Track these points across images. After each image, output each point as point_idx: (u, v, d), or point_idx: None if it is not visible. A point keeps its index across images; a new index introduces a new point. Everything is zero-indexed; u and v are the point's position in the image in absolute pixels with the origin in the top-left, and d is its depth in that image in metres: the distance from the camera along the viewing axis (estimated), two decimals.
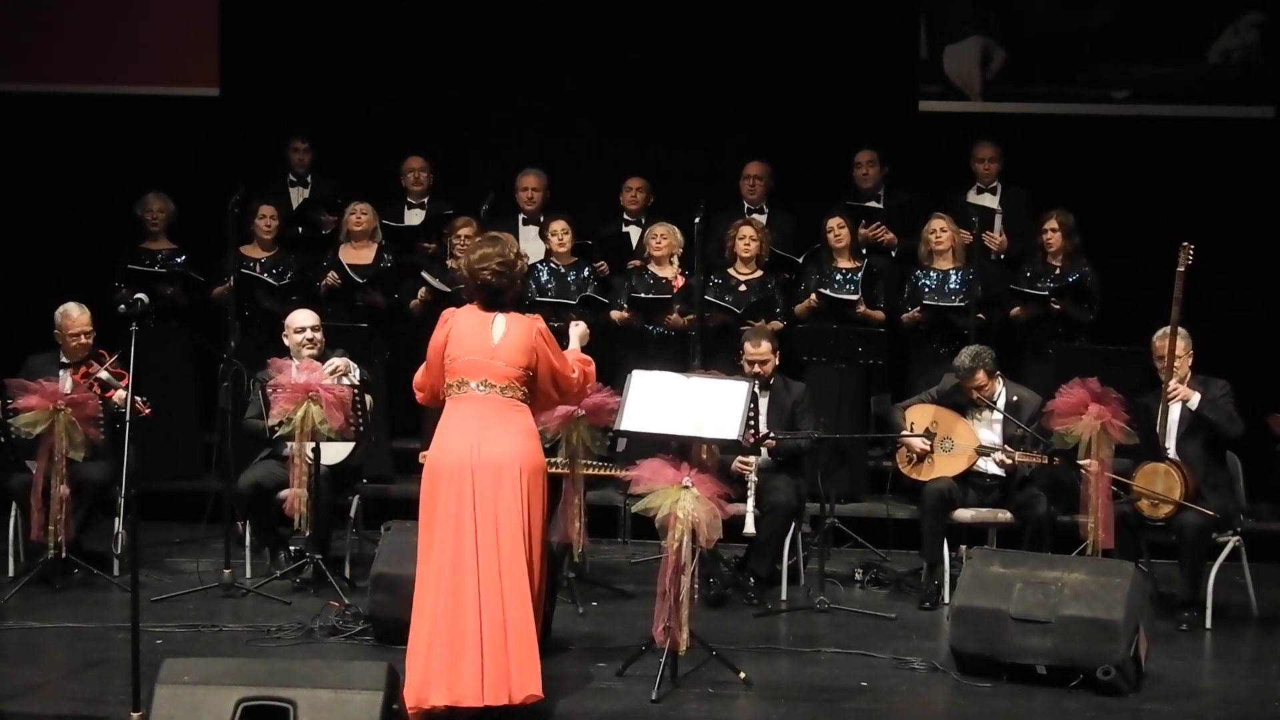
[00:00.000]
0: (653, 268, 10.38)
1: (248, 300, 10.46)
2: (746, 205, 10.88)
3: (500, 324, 6.61)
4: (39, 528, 8.56)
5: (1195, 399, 8.48)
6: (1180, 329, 8.46)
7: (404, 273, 10.60)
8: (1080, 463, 8.22)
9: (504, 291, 6.62)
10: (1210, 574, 8.38)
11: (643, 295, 10.26)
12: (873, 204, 10.90)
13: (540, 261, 10.54)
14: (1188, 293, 8.45)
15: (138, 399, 8.24)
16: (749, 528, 8.34)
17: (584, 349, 7.21)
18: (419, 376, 6.83)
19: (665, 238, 10.33)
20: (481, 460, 6.47)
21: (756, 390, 8.34)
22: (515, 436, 6.57)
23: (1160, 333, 8.53)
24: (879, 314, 10.29)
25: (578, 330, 7.29)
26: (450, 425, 6.60)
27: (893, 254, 10.79)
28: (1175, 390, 8.45)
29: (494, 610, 6.41)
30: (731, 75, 11.67)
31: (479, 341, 6.58)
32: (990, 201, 10.80)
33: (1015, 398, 8.82)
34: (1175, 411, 8.53)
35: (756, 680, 7.16)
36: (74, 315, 9.04)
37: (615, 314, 10.31)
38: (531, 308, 10.25)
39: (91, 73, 11.94)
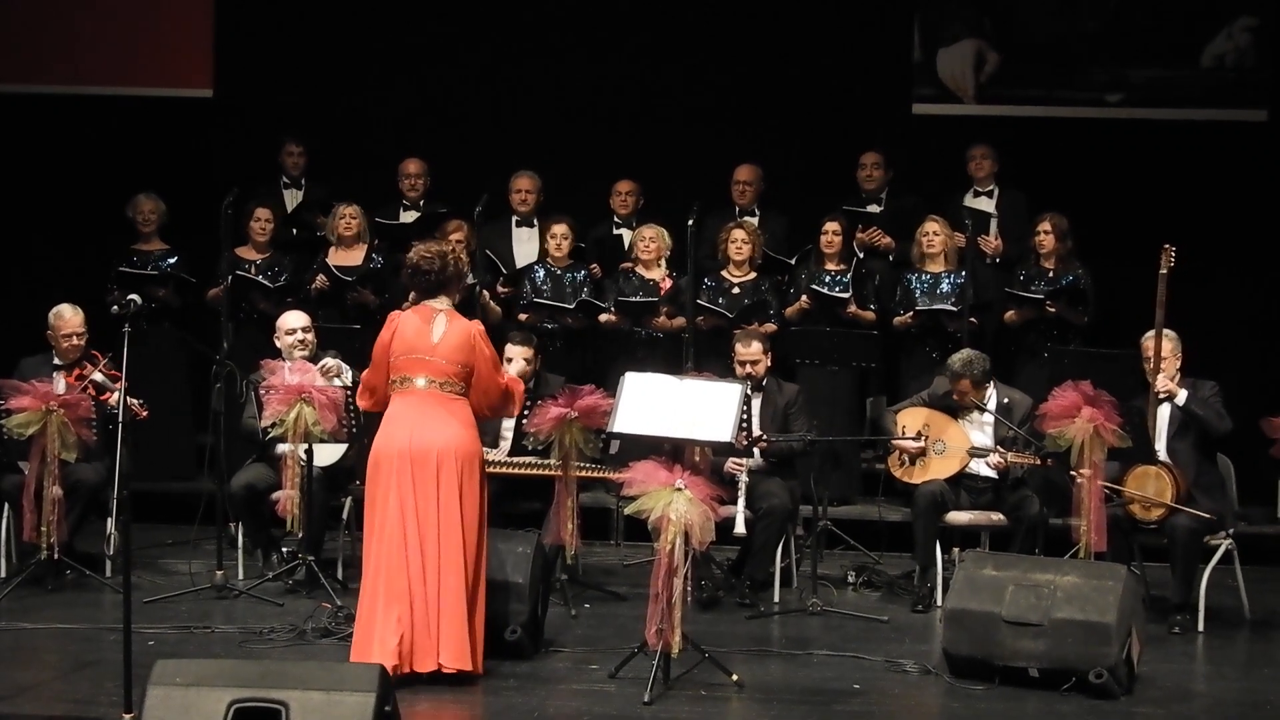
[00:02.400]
0: (640, 270, 10.37)
1: (243, 302, 10.46)
2: (738, 209, 10.87)
3: (441, 323, 7.13)
4: (31, 529, 8.55)
5: (1182, 395, 8.47)
6: (1169, 331, 8.46)
7: (396, 271, 10.57)
8: (1072, 473, 8.21)
9: (431, 275, 7.14)
10: (1202, 577, 8.37)
11: (630, 298, 10.25)
12: (873, 208, 10.89)
13: (536, 263, 10.54)
14: (1180, 295, 8.46)
15: (134, 402, 8.27)
16: (739, 528, 8.34)
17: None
18: (365, 375, 7.33)
19: (654, 241, 10.32)
20: (415, 448, 7.00)
21: (749, 392, 8.33)
22: (450, 426, 7.07)
23: (1148, 335, 8.53)
24: (869, 315, 10.27)
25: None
26: (391, 416, 7.13)
27: (890, 258, 10.78)
28: (1163, 386, 8.45)
29: (428, 588, 6.94)
30: (725, 77, 11.67)
31: (421, 340, 7.09)
32: (987, 205, 10.80)
33: (1006, 400, 8.83)
34: (1164, 413, 8.52)
35: (749, 683, 7.16)
36: (67, 316, 9.02)
37: (604, 317, 10.30)
38: (527, 309, 10.30)
39: (85, 74, 11.92)
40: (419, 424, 7.02)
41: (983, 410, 8.76)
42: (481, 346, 7.13)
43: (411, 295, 7.42)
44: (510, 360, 8.80)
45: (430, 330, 7.09)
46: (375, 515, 7.07)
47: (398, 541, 6.97)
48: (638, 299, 10.24)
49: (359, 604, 7.12)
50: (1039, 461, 8.45)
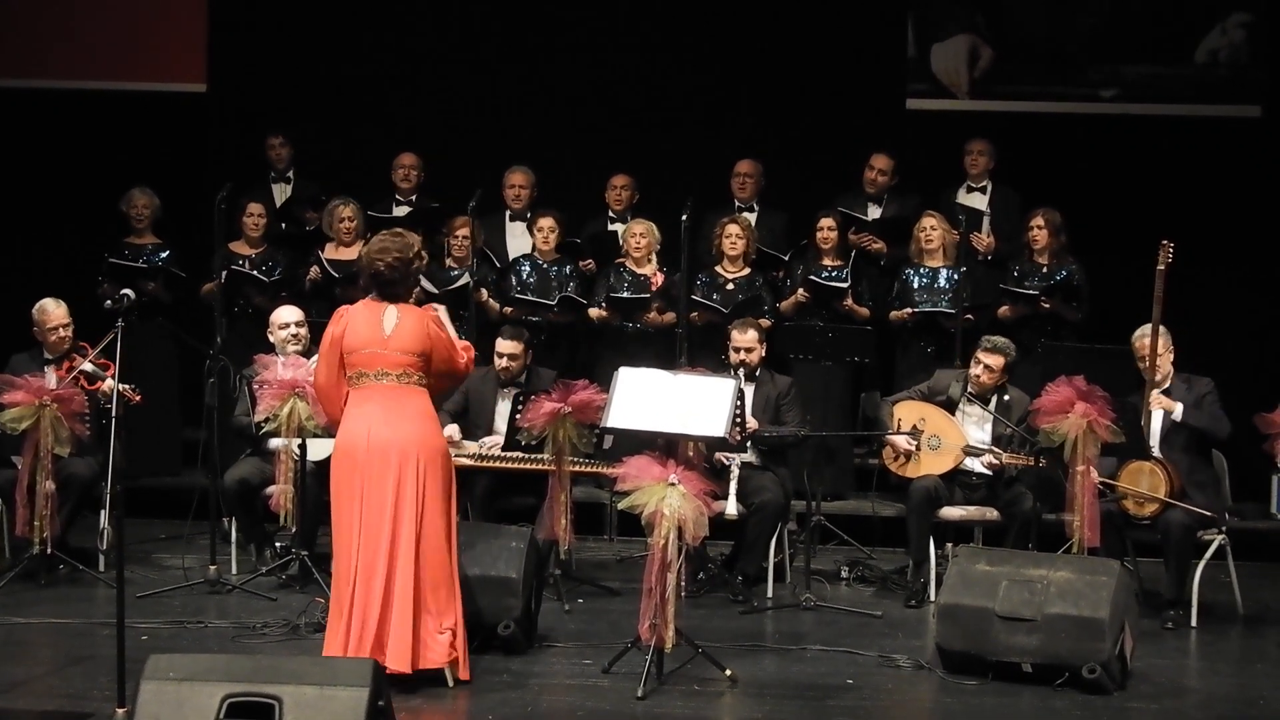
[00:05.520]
0: (630, 265, 10.35)
1: (237, 297, 10.45)
2: (737, 203, 10.85)
3: (392, 315, 6.96)
4: (24, 523, 8.55)
5: (1178, 410, 8.46)
6: (1160, 327, 8.45)
7: None
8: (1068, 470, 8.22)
9: (396, 284, 6.99)
10: (1196, 573, 8.38)
11: (621, 294, 10.24)
12: (872, 208, 10.81)
13: (523, 257, 10.52)
14: (1174, 291, 8.45)
15: (125, 387, 8.26)
16: (730, 510, 8.32)
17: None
18: (317, 379, 7.18)
19: (644, 236, 10.30)
20: (373, 443, 6.85)
21: (742, 384, 8.30)
22: (409, 421, 6.92)
23: (1139, 331, 8.53)
24: (864, 311, 10.27)
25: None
26: (350, 413, 6.97)
27: (881, 263, 10.72)
28: (1157, 401, 8.44)
29: (378, 587, 6.80)
30: (720, 72, 11.67)
31: (372, 334, 6.94)
32: (980, 201, 10.78)
33: (1006, 397, 8.82)
34: (1160, 410, 8.52)
35: (742, 678, 7.16)
36: (51, 310, 9.02)
37: (594, 311, 10.28)
38: (511, 304, 10.28)
39: (79, 69, 11.91)
40: (377, 420, 6.86)
41: (983, 406, 8.75)
42: (436, 331, 6.98)
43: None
44: (500, 355, 8.85)
45: (382, 323, 6.93)
46: (338, 514, 6.95)
47: (366, 539, 6.85)
48: (628, 294, 10.22)
49: (330, 603, 7.02)
50: (1034, 461, 8.44)
